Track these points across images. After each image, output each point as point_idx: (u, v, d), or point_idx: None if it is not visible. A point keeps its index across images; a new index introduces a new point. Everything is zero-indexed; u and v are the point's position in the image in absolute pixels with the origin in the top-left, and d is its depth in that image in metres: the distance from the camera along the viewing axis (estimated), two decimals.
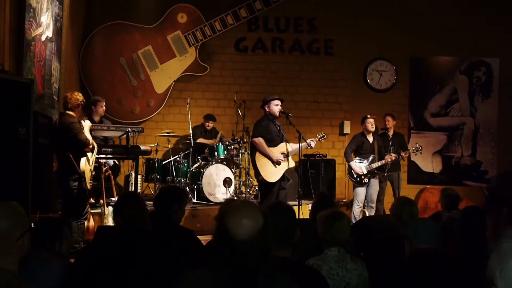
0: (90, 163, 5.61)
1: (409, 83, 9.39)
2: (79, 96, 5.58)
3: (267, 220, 1.83)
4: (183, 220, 3.69)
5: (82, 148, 5.46)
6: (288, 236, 2.54)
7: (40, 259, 2.62)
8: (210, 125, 8.49)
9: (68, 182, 5.43)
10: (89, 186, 5.59)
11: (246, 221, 1.78)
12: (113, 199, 6.55)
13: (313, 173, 8.24)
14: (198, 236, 3.60)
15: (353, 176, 7.48)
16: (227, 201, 2.02)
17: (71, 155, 5.30)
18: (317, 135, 6.70)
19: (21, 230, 1.98)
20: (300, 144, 6.31)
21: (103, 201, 6.19)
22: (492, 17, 9.04)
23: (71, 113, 5.51)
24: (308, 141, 6.40)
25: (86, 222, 5.72)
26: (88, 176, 5.51)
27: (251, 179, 8.05)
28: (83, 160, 5.45)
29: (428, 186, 9.09)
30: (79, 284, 2.66)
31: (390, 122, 8.22)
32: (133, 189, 7.23)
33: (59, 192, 5.73)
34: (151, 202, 3.88)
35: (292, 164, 6.41)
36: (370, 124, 7.53)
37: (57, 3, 6.84)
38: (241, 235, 1.76)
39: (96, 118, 7.14)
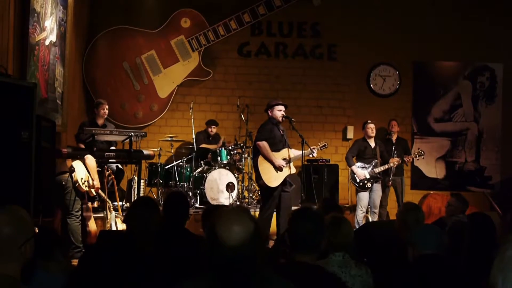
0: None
1: (412, 88, 9.36)
2: None
3: (257, 226, 1.81)
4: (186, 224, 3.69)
5: None
6: (311, 242, 2.50)
7: (45, 268, 2.60)
8: (213, 130, 8.45)
9: None
10: (85, 188, 5.80)
11: (237, 228, 1.76)
12: (116, 203, 6.54)
13: (316, 178, 8.23)
14: None
15: (356, 181, 7.46)
16: (218, 207, 2.02)
17: None
18: (319, 143, 6.74)
19: (25, 236, 1.95)
20: (303, 151, 6.33)
21: (106, 205, 6.19)
22: (496, 22, 9.00)
23: None
24: (311, 148, 6.43)
25: (90, 225, 5.82)
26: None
27: (254, 184, 8.03)
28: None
29: (431, 192, 9.04)
30: None
31: (396, 127, 8.20)
32: (136, 194, 7.23)
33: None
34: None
35: (293, 170, 6.42)
36: (370, 129, 7.55)
37: (61, 7, 6.86)
38: (232, 242, 1.74)
39: (100, 122, 7.15)
